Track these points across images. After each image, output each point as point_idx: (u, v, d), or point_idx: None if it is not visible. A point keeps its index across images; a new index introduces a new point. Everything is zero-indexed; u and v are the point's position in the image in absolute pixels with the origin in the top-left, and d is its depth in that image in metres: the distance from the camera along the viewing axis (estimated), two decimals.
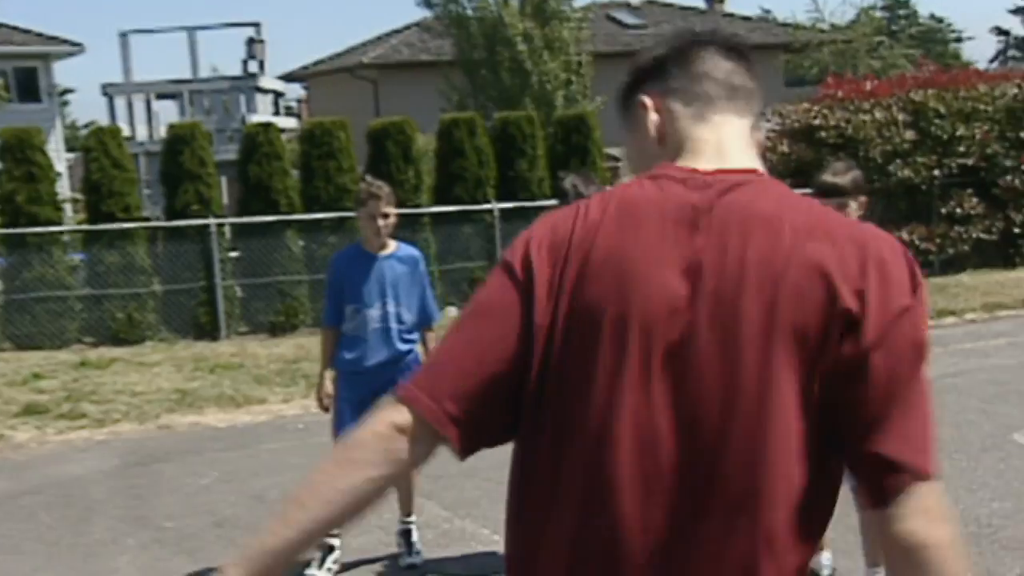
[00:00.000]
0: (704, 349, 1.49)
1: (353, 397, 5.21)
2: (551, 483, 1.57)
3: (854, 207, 4.25)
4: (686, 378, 1.50)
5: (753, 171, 1.64)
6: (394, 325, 5.15)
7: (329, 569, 5.20)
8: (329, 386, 5.30)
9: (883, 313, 1.49)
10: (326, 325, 5.36)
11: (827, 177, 4.37)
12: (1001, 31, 55.71)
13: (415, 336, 5.28)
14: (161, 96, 37.27)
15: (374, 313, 5.11)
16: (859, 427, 1.49)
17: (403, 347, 5.19)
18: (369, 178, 5.47)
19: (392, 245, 5.24)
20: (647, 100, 1.72)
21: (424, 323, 5.31)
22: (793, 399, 1.48)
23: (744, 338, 1.48)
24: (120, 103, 37.66)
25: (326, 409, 5.38)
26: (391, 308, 5.13)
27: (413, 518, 5.44)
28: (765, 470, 1.47)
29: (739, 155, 1.66)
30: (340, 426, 5.24)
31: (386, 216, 5.11)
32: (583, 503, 1.54)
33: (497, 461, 5.58)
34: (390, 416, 1.61)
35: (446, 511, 6.13)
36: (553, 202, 16.64)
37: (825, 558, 4.71)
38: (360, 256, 5.22)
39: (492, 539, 5.60)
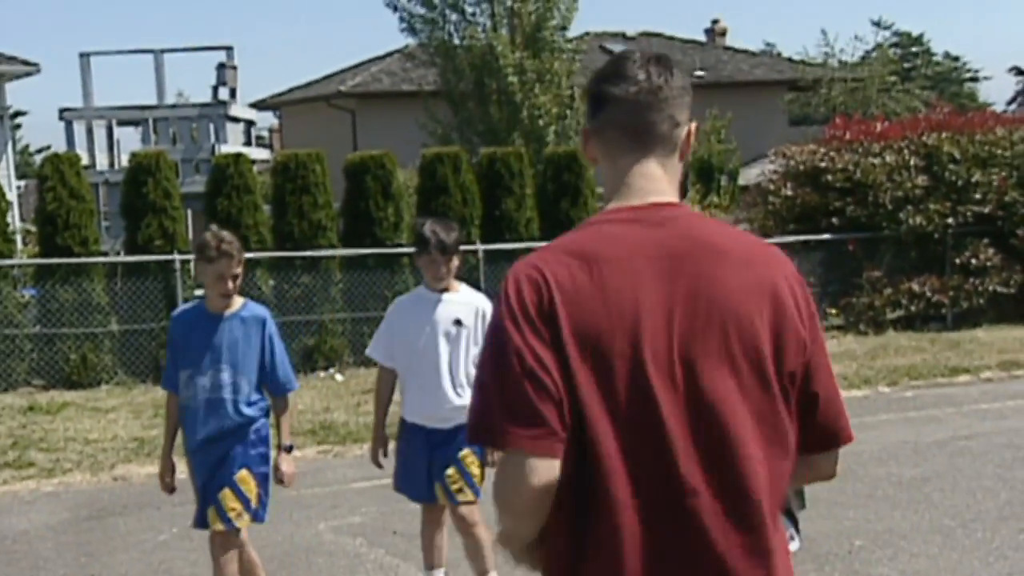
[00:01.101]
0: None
1: (198, 483, 5.04)
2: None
3: None
4: None
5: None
6: (228, 396, 4.89)
7: None
8: (170, 464, 5.15)
9: (811, 318, 2.15)
10: (166, 389, 5.18)
11: None
12: (1020, 71, 56.37)
13: (261, 405, 5.00)
14: (123, 123, 37.13)
15: (205, 382, 4.88)
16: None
17: (238, 419, 4.89)
18: (215, 229, 5.18)
19: (237, 303, 4.99)
20: None
21: (274, 391, 5.04)
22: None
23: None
24: (79, 129, 37.62)
25: (171, 491, 5.21)
26: (225, 376, 4.88)
27: None
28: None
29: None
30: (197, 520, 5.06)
31: (236, 277, 4.90)
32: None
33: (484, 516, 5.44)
34: None
35: (423, 573, 6.10)
36: (544, 243, 16.76)
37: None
38: (201, 317, 4.99)
39: None
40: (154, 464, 9.13)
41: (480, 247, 14.88)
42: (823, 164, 16.68)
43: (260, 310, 5.06)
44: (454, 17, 24.12)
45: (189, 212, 15.91)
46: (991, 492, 7.45)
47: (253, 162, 15.62)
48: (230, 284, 4.86)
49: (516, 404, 1.98)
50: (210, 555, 5.07)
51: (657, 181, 2.18)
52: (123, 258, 14.35)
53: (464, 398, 5.17)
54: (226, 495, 4.88)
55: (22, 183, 32.83)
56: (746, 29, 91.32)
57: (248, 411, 4.91)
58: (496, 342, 2.05)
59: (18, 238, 17.11)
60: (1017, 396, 11.20)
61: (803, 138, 19.37)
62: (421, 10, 24.17)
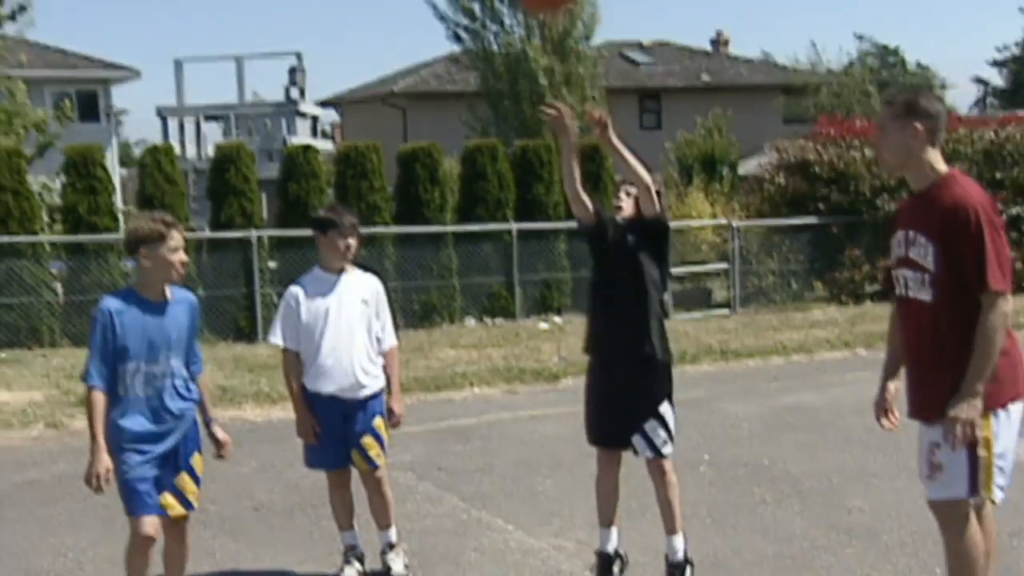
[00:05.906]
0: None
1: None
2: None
3: None
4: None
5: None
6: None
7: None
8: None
9: None
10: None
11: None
12: (980, 81, 55.75)
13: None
14: (209, 118, 37.41)
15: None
16: None
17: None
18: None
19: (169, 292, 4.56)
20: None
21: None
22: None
23: None
24: (172, 124, 37.89)
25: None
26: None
27: None
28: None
29: None
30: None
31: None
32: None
33: (512, 459, 5.75)
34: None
35: (464, 503, 6.21)
36: (568, 224, 16.51)
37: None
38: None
39: (505, 528, 5.67)
40: (235, 408, 9.31)
41: (514, 226, 14.92)
42: (811, 157, 16.57)
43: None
44: (493, 27, 24.25)
45: (265, 195, 16.01)
46: None
47: (319, 152, 15.70)
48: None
49: (1007, 265, 3.55)
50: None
51: None
52: (208, 234, 14.47)
53: (372, 368, 4.93)
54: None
55: (124, 171, 33.13)
56: (746, 39, 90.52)
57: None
58: (994, 227, 3.51)
59: (120, 217, 17.28)
60: None
61: (795, 135, 19.23)
62: (465, 21, 24.40)
